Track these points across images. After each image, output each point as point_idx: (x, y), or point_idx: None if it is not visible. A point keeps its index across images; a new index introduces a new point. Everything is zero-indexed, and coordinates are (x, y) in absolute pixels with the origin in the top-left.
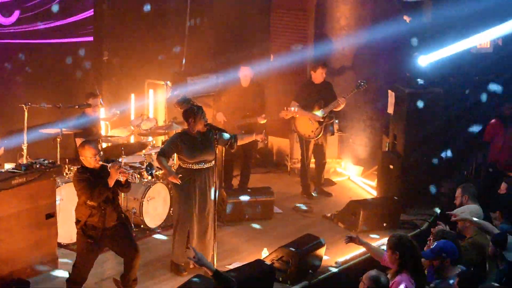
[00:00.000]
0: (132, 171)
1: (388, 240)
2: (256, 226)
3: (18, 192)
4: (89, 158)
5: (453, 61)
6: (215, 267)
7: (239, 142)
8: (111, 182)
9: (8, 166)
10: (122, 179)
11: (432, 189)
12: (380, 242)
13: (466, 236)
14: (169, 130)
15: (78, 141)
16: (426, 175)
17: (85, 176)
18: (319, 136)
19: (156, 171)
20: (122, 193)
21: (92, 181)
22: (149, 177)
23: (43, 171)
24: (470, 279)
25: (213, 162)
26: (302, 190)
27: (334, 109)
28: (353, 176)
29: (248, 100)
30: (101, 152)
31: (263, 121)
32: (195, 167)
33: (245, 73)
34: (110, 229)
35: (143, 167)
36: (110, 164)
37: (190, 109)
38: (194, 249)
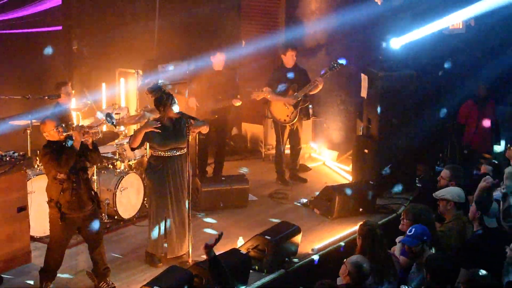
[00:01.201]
0: (95, 127)
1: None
2: (230, 214)
3: None
4: (52, 131)
5: (426, 43)
6: (190, 256)
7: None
8: (76, 145)
9: None
10: (88, 141)
11: (396, 189)
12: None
13: (445, 218)
14: (141, 119)
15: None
16: (401, 158)
17: (50, 149)
18: (295, 120)
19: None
20: (95, 184)
21: (57, 152)
22: (114, 127)
23: (13, 163)
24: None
25: (185, 149)
26: (277, 177)
27: (312, 92)
28: (328, 161)
29: (221, 84)
30: (63, 124)
31: (238, 103)
32: (167, 154)
33: (217, 57)
34: (86, 209)
35: (115, 157)
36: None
37: (160, 97)
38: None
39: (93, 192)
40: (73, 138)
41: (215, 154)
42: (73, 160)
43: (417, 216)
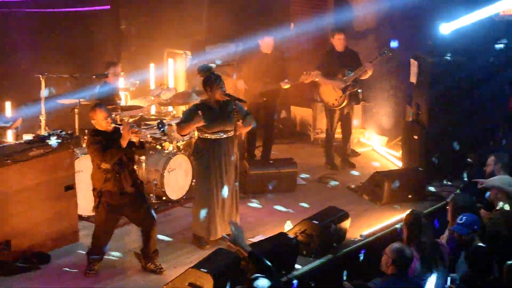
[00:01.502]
0: (144, 130)
1: (405, 220)
2: (279, 197)
3: (35, 164)
4: (101, 121)
5: (476, 29)
6: None
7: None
8: (123, 143)
9: (27, 137)
10: (135, 139)
11: (455, 145)
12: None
13: (494, 206)
14: (189, 100)
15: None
16: (451, 145)
17: (97, 139)
18: (343, 104)
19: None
20: (143, 164)
21: (105, 144)
22: (163, 136)
23: (61, 142)
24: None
25: (232, 132)
26: (326, 161)
27: (362, 77)
28: (377, 146)
29: (269, 67)
30: (113, 115)
31: (286, 86)
32: (214, 137)
33: (265, 39)
34: (128, 195)
35: (164, 138)
36: (122, 125)
37: (207, 78)
38: (233, 227)
39: (138, 181)
40: (121, 132)
41: (263, 138)
42: (118, 156)
43: (461, 207)
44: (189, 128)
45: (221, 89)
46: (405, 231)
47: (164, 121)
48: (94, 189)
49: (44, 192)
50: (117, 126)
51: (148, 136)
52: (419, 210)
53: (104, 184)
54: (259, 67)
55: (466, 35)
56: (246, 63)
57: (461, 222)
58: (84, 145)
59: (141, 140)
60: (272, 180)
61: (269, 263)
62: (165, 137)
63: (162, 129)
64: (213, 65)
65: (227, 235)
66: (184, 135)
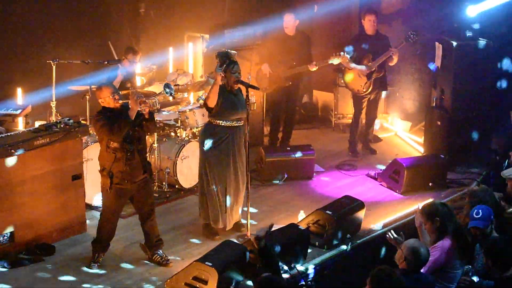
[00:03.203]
0: (152, 99)
1: (421, 213)
2: (295, 185)
3: (41, 153)
4: (108, 98)
5: (505, 11)
6: (249, 230)
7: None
8: (132, 114)
9: (39, 124)
10: (144, 111)
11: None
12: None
13: None
14: (205, 85)
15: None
16: (475, 132)
17: (104, 116)
18: (369, 90)
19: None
20: (156, 152)
21: (112, 119)
22: (170, 97)
23: (67, 131)
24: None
25: (244, 120)
26: (349, 147)
27: (389, 63)
28: (400, 131)
29: (293, 50)
30: (120, 92)
31: (314, 68)
32: (228, 124)
33: (289, 21)
34: (137, 179)
35: (177, 124)
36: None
37: (222, 64)
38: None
39: (146, 163)
40: (129, 106)
41: (284, 123)
42: (127, 128)
43: (478, 200)
44: (215, 91)
45: (234, 75)
46: (432, 225)
47: (168, 83)
48: (102, 170)
49: (50, 182)
50: (124, 101)
51: (158, 104)
52: (435, 201)
53: (113, 165)
54: (283, 50)
55: (493, 18)
56: (269, 46)
57: (479, 216)
58: (92, 133)
59: (150, 110)
60: (288, 167)
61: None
62: (175, 99)
63: (170, 92)
64: (234, 52)
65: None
66: (212, 108)
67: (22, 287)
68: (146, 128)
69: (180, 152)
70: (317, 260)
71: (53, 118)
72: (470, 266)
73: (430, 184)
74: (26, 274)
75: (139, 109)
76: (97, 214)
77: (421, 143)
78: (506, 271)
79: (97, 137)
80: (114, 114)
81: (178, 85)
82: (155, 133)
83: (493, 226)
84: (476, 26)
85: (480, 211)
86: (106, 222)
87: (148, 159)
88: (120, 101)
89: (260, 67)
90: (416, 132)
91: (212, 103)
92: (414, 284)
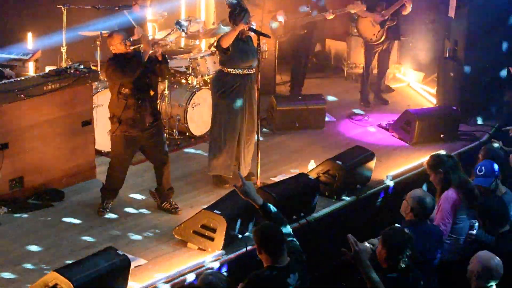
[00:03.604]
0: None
1: (426, 163)
2: (306, 135)
3: (51, 98)
4: (118, 45)
5: None
6: (259, 178)
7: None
8: (144, 56)
9: (49, 69)
10: (157, 52)
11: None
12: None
13: None
14: (217, 33)
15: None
16: (488, 84)
17: (116, 61)
18: (382, 39)
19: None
20: (166, 99)
21: (124, 64)
22: (183, 33)
23: (78, 76)
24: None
25: (255, 68)
26: (360, 97)
27: (402, 12)
28: (413, 82)
29: None
30: (131, 38)
31: (330, 17)
32: (240, 72)
33: None
34: (146, 127)
35: (188, 71)
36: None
37: (233, 10)
38: (242, 178)
39: (157, 112)
40: (141, 51)
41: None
42: (139, 69)
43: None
44: (233, 35)
45: (245, 22)
46: (436, 176)
47: (179, 20)
48: (112, 116)
49: (60, 127)
50: (136, 47)
51: (170, 42)
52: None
53: (124, 112)
54: None
55: None
56: None
57: (481, 173)
58: (103, 79)
59: (163, 53)
60: (300, 116)
61: (280, 216)
62: (186, 36)
63: (182, 29)
64: None
65: (239, 186)
66: (225, 48)
67: (30, 231)
68: (159, 72)
69: (191, 99)
70: (326, 210)
71: (63, 64)
72: (475, 220)
73: (442, 135)
74: (35, 219)
75: (151, 50)
76: (106, 160)
77: (433, 94)
78: (501, 228)
79: (108, 84)
80: (126, 60)
81: (190, 20)
82: (166, 80)
83: (499, 180)
84: None
85: (483, 167)
86: (114, 170)
87: (158, 107)
88: (132, 47)
89: (274, 14)
90: (429, 83)
91: (226, 43)
92: (423, 236)
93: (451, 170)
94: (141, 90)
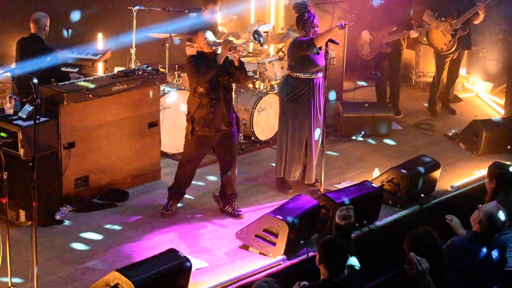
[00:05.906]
0: (243, 45)
1: (488, 168)
2: (372, 142)
3: (118, 99)
4: (201, 43)
5: None
6: (322, 185)
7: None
8: (220, 59)
9: (118, 69)
10: (234, 57)
11: None
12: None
13: None
14: (285, 38)
15: (188, 49)
16: None
17: (195, 58)
18: (453, 49)
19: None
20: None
21: (201, 62)
22: (259, 45)
23: (146, 78)
24: None
25: (323, 74)
26: (428, 106)
27: (474, 21)
28: (481, 92)
29: (393, 14)
30: (216, 40)
31: (415, 35)
32: (310, 76)
33: None
34: (220, 130)
35: (256, 76)
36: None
37: (300, 16)
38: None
39: (234, 114)
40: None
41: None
42: (213, 71)
43: None
44: (327, 36)
45: (313, 28)
46: (489, 184)
47: (257, 29)
48: (187, 114)
49: (126, 128)
50: (217, 48)
51: (246, 51)
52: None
53: (197, 110)
54: (383, 14)
55: None
56: (367, 10)
57: None
58: (175, 81)
59: (240, 60)
60: (366, 124)
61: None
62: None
63: (258, 39)
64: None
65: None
66: (307, 50)
67: (94, 231)
68: (236, 78)
69: (257, 104)
70: (389, 218)
71: (132, 65)
72: None
73: (509, 147)
74: (99, 219)
75: (228, 54)
76: (172, 162)
77: (502, 105)
78: None
79: (188, 80)
80: (205, 60)
81: (267, 32)
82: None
83: None
84: None
85: None
86: (183, 168)
87: (234, 111)
88: (214, 47)
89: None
90: (498, 94)
91: (319, 43)
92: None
93: (505, 184)
94: (216, 91)
